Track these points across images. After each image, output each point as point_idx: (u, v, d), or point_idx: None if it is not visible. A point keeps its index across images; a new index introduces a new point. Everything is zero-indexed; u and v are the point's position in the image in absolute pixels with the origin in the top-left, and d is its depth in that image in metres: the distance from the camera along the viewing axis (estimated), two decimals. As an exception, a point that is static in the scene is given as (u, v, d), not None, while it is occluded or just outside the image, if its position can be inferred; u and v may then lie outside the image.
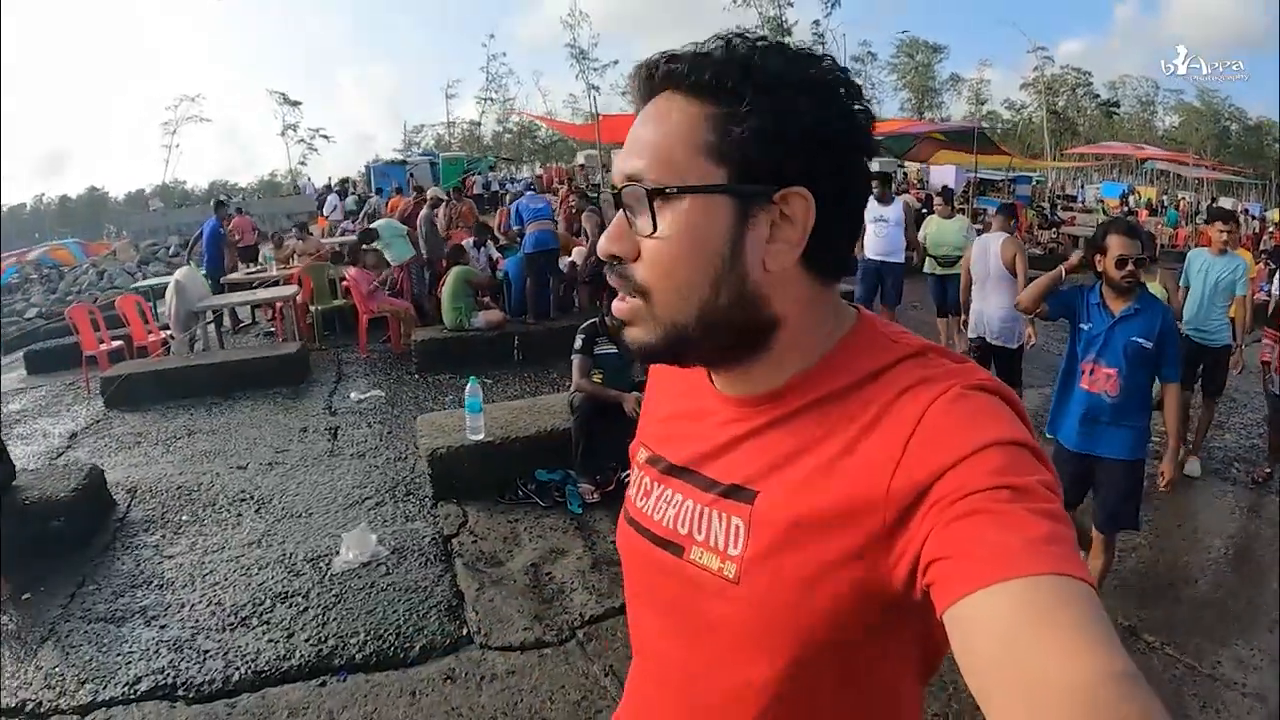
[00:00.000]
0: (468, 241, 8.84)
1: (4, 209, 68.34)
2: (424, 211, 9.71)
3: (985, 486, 0.61)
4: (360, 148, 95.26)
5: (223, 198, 16.52)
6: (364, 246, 8.23)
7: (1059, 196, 31.25)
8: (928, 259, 7.93)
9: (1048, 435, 3.63)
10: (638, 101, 0.77)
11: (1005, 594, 0.55)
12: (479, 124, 65.36)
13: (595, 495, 4.61)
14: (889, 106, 63.29)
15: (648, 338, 0.75)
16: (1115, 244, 3.27)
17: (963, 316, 6.43)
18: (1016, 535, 0.58)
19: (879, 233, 7.88)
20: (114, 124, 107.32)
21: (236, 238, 15.44)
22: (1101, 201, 31.55)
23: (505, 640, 3.44)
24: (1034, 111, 61.68)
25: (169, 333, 8.90)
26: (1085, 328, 3.42)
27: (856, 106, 0.75)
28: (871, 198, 7.76)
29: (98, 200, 67.46)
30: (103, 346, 8.39)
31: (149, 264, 27.60)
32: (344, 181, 28.85)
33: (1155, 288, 4.84)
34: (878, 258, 7.91)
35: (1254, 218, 28.14)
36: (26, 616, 3.84)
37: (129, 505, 4.99)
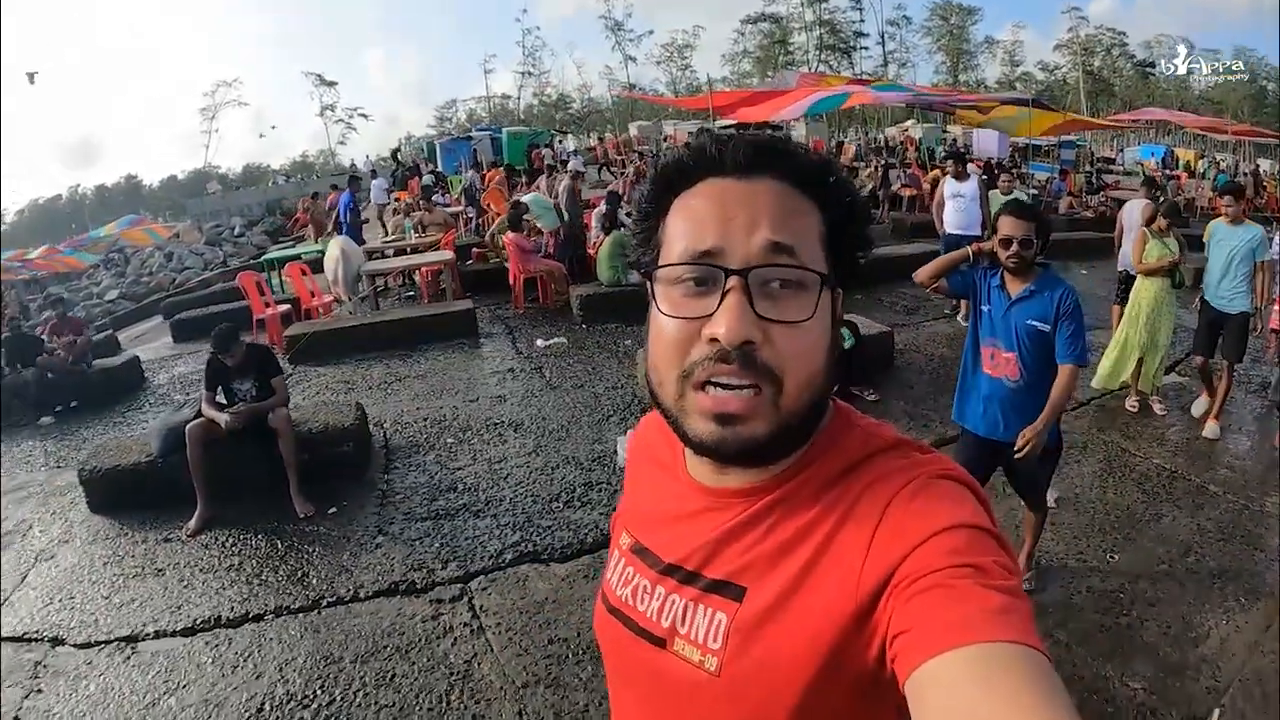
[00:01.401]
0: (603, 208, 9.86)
1: (40, 201, 70.41)
2: (565, 183, 10.72)
3: (944, 565, 0.64)
4: (388, 125, 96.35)
5: (356, 174, 17.48)
6: (524, 217, 9.23)
7: (1098, 159, 31.62)
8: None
9: (954, 421, 3.71)
10: (729, 171, 0.78)
11: (962, 659, 0.58)
12: (510, 97, 66.30)
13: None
14: (923, 70, 63.53)
15: (760, 432, 0.73)
16: (1003, 224, 3.27)
17: None
18: (973, 607, 0.61)
19: (959, 208, 8.41)
20: (145, 112, 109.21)
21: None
22: (1141, 164, 31.81)
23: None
24: (1068, 73, 61.57)
25: (329, 297, 9.91)
26: (985, 309, 3.42)
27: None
28: (949, 176, 8.59)
29: (134, 188, 68.99)
30: (269, 310, 9.40)
31: (216, 245, 28.88)
32: (396, 158, 29.83)
33: (1165, 245, 5.82)
34: (959, 231, 8.29)
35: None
36: (345, 525, 4.67)
37: (385, 435, 5.94)
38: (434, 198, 17.27)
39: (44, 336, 8.43)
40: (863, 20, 62.11)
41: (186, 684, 3.50)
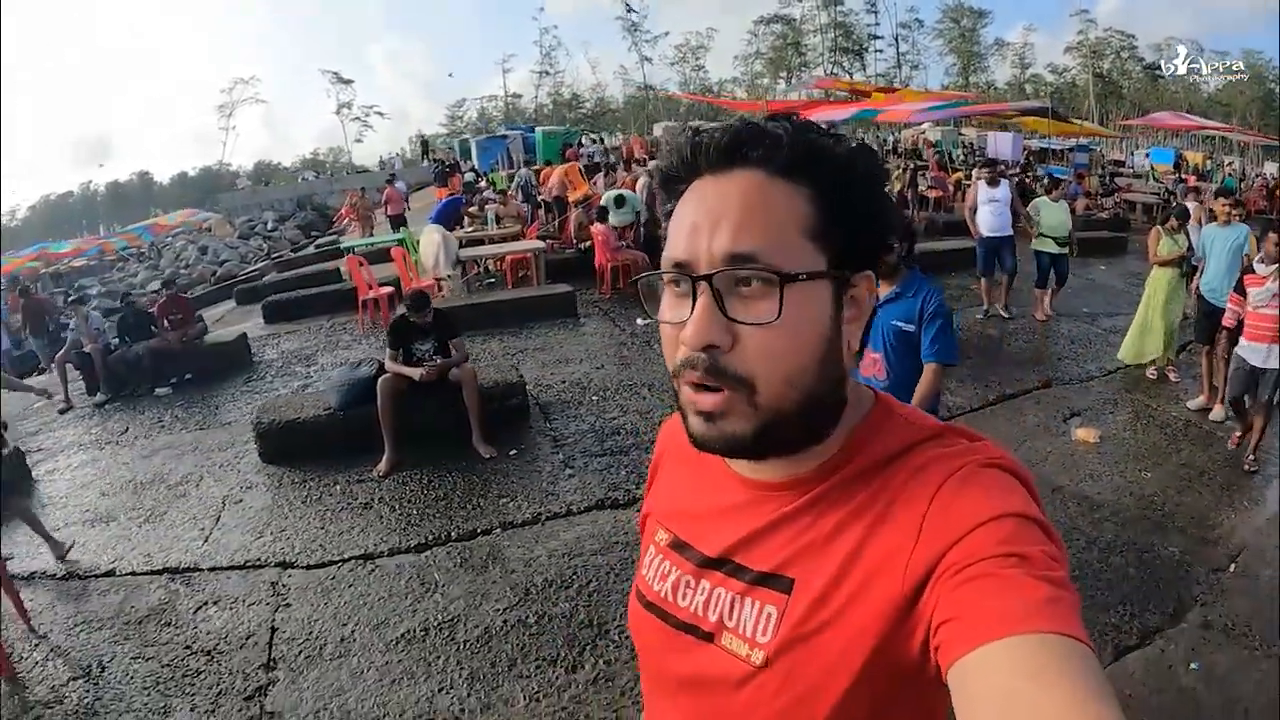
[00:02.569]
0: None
1: (51, 198, 71.79)
2: (643, 180, 12.00)
3: (991, 554, 0.65)
4: (397, 123, 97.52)
5: (467, 177, 18.61)
6: (615, 209, 10.56)
7: (1109, 162, 32.72)
8: (1041, 238, 9.00)
9: None
10: (706, 170, 0.78)
11: (1006, 651, 0.59)
12: (520, 96, 67.74)
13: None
14: (934, 72, 65.09)
15: (742, 429, 0.75)
16: None
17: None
18: (1019, 597, 0.62)
19: (994, 212, 9.09)
20: (154, 110, 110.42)
21: (387, 206, 17.72)
22: (1152, 167, 32.90)
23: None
24: (1078, 75, 62.95)
25: (428, 280, 10.95)
26: None
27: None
28: (982, 182, 9.66)
29: (145, 184, 70.36)
30: (376, 290, 10.31)
31: (249, 239, 30.32)
32: (426, 153, 30.92)
33: (1175, 241, 7.05)
34: (994, 234, 9.06)
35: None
36: (531, 463, 5.51)
37: (533, 395, 6.72)
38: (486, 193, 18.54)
39: (153, 313, 9.28)
40: (878, 24, 63.64)
41: (445, 584, 4.13)
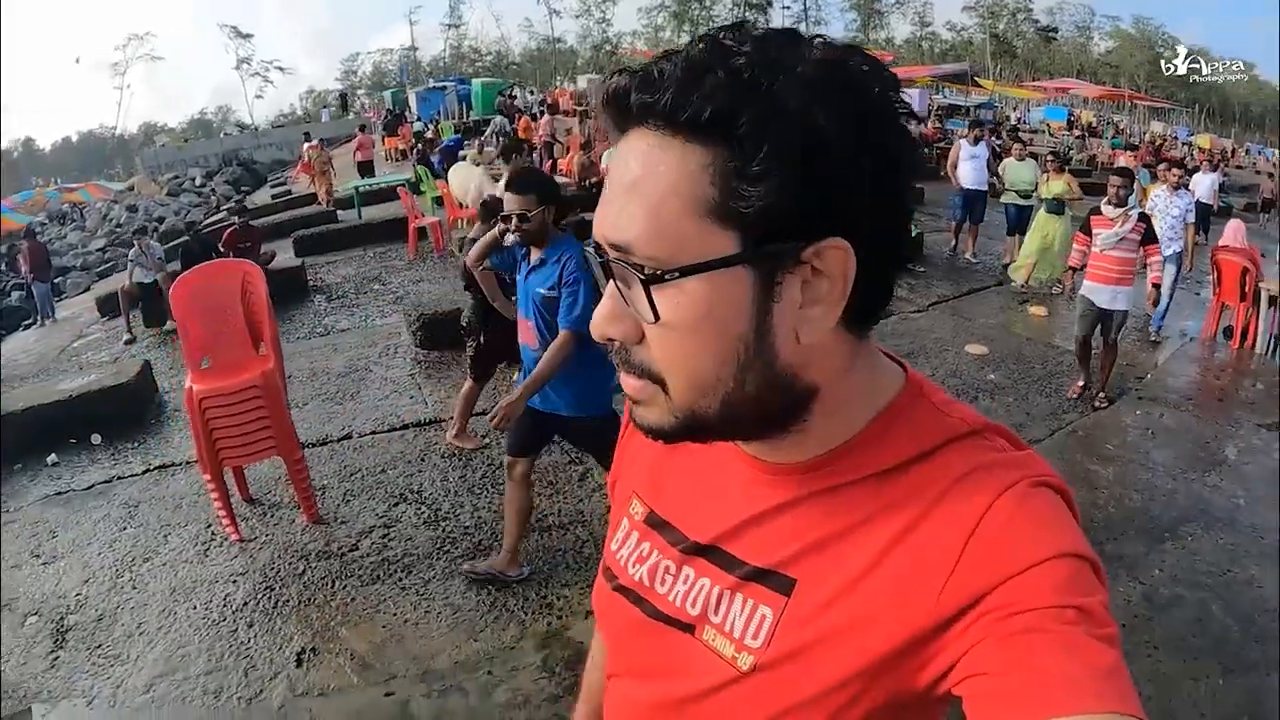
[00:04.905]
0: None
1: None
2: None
3: (1048, 604, 0.58)
4: (287, 78, 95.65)
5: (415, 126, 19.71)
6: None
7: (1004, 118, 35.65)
8: (1008, 192, 10.31)
9: None
10: (612, 133, 0.64)
11: None
12: (417, 49, 68.12)
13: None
14: (834, 28, 67.88)
15: (661, 421, 0.66)
16: (505, 201, 3.33)
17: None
18: (1078, 664, 0.56)
19: (976, 167, 10.39)
20: (41, 70, 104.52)
21: (357, 153, 19.18)
22: (1046, 124, 35.95)
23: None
24: (974, 34, 66.88)
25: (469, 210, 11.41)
26: (518, 279, 3.50)
27: (902, 121, 0.61)
28: (964, 140, 11.77)
29: (30, 152, 68.10)
30: (426, 219, 11.58)
31: (178, 195, 30.76)
32: (345, 105, 31.65)
33: (1059, 185, 9.03)
34: (974, 187, 10.40)
35: (1182, 142, 33.26)
36: None
37: None
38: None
39: (220, 246, 9.67)
40: (786, -21, 66.07)
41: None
